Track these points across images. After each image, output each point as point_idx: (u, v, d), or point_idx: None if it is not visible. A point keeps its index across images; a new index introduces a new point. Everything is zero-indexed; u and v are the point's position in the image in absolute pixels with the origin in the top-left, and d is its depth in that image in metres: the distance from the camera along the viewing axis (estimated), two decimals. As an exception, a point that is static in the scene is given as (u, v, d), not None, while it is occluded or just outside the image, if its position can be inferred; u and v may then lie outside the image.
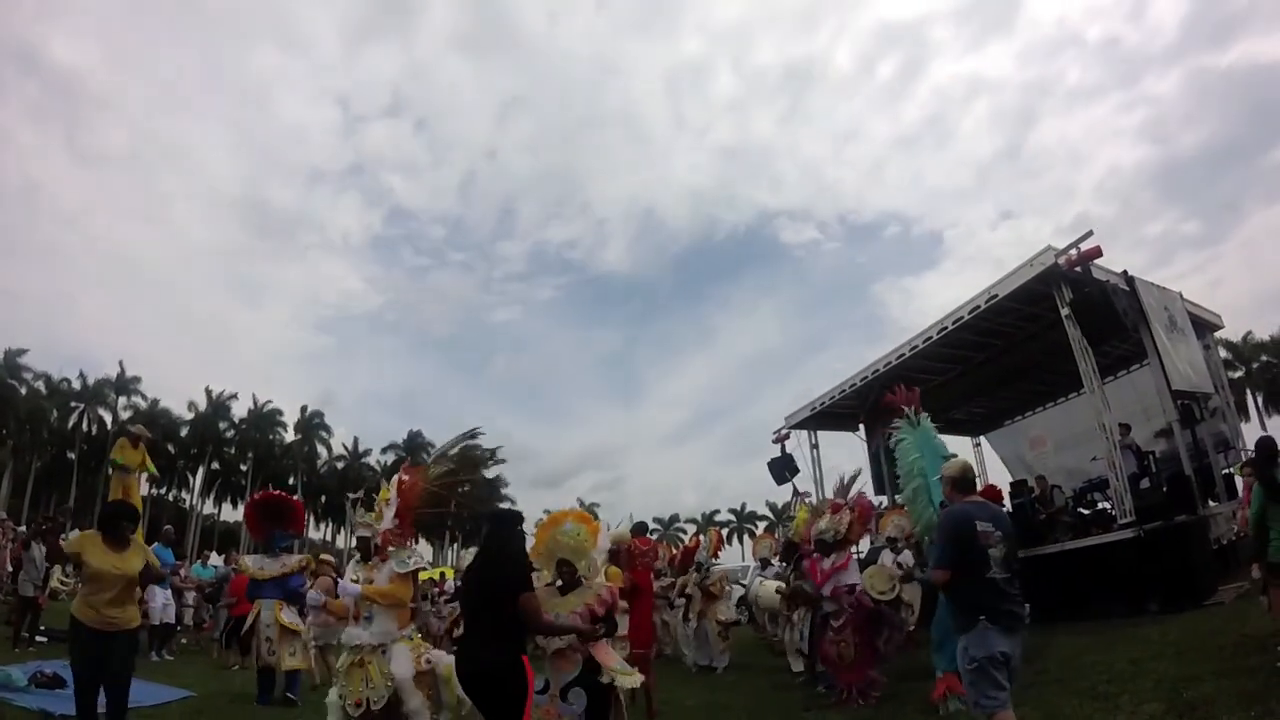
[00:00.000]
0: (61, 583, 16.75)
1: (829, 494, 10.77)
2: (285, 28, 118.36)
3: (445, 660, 5.78)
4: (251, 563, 9.27)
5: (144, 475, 10.79)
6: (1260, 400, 52.43)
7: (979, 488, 5.05)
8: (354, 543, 6.96)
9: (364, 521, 6.14)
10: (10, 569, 13.75)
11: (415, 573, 6.04)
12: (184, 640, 14.80)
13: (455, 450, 6.70)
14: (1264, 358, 52.18)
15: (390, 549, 5.87)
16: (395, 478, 6.21)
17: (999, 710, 4.20)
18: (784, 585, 10.19)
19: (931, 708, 6.64)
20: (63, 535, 26.32)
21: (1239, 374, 49.49)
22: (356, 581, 5.88)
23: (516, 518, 4.67)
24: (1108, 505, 12.10)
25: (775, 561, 12.54)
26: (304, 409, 64.13)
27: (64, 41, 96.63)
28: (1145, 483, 11.23)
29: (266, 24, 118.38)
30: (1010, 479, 16.42)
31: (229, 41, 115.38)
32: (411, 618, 6.20)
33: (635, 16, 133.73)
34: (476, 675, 4.01)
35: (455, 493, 6.37)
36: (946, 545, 4.53)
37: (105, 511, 5.94)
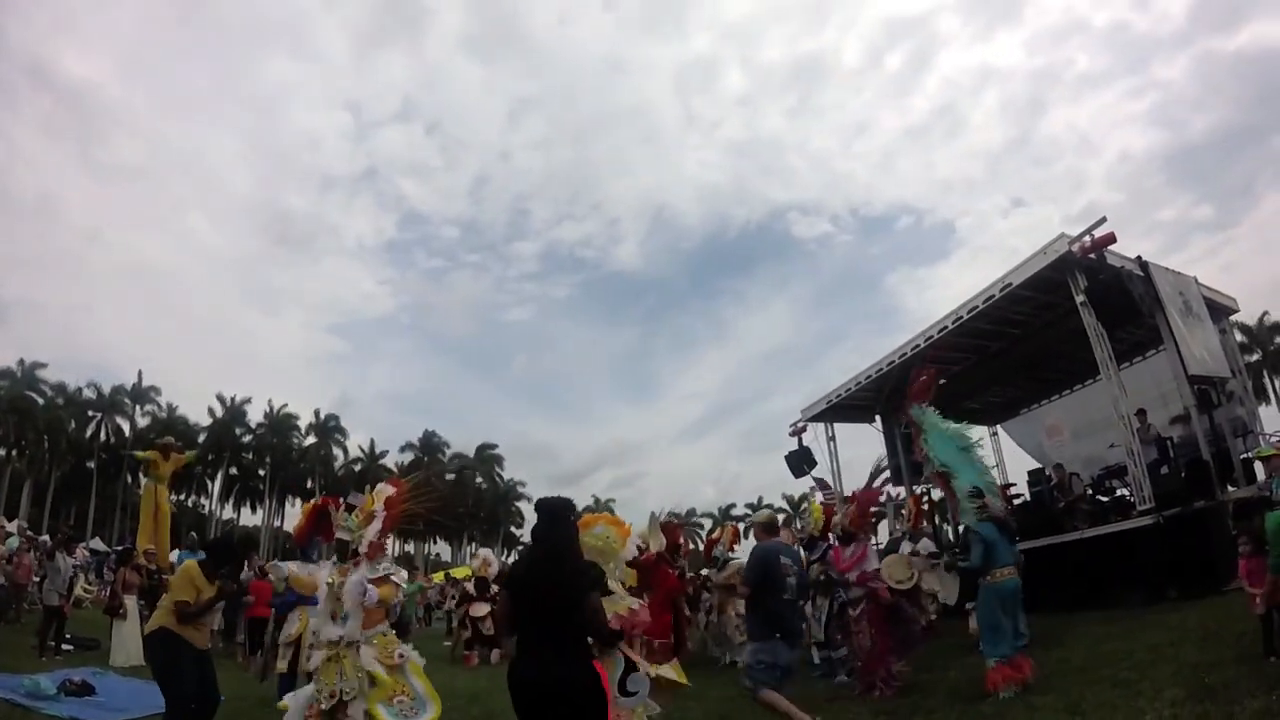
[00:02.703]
0: (85, 591, 16.93)
1: (846, 486, 10.78)
2: (296, 36, 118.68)
3: (414, 655, 6.23)
4: (299, 570, 9.05)
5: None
6: (1278, 383, 51.99)
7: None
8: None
9: (347, 526, 6.32)
10: (35, 579, 13.91)
11: (386, 577, 6.39)
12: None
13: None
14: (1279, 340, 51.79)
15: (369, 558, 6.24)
16: (381, 490, 6.52)
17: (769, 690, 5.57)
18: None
19: (983, 696, 6.57)
20: (85, 544, 26.56)
21: (1255, 357, 49.09)
22: (331, 582, 6.13)
23: (568, 508, 4.14)
24: (1126, 492, 12.05)
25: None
26: (317, 413, 64.67)
27: (76, 55, 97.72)
28: (1164, 469, 11.18)
29: (277, 33, 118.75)
30: (1028, 468, 16.38)
31: (240, 51, 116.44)
32: (385, 615, 6.42)
33: (643, 16, 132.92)
34: (552, 691, 3.45)
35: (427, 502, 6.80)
36: (755, 571, 5.77)
37: (230, 547, 6.21)
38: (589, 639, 3.77)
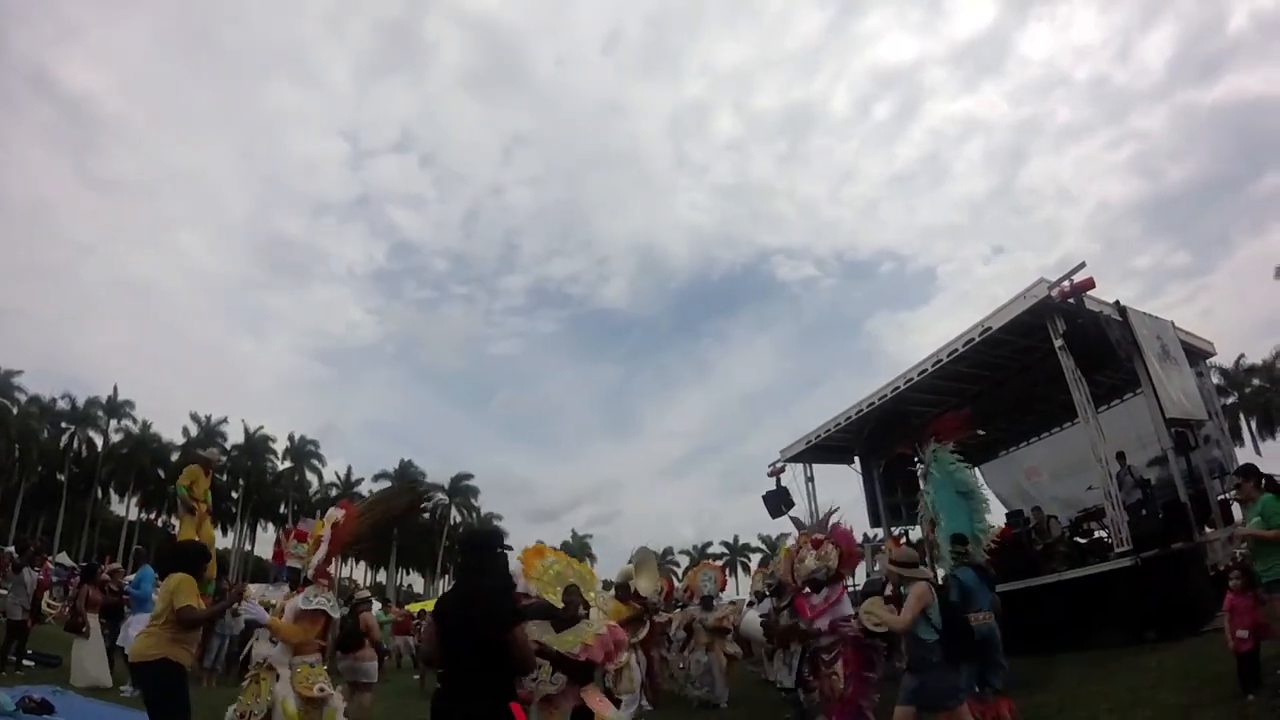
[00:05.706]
0: (50, 606, 16.55)
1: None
2: (299, 63, 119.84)
3: (338, 700, 6.10)
4: (256, 591, 8.89)
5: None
6: (1254, 425, 52.28)
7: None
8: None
9: (296, 554, 6.33)
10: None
11: (320, 611, 6.09)
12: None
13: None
14: (1256, 382, 51.99)
15: (310, 587, 6.10)
16: (330, 515, 6.45)
17: None
18: (769, 616, 10.05)
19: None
20: (52, 558, 25.99)
21: (1232, 399, 49.46)
22: (272, 606, 6.18)
23: (495, 538, 3.93)
24: (1104, 534, 12.08)
25: (767, 593, 12.37)
26: (291, 436, 63.88)
27: (79, 67, 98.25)
28: (1142, 511, 11.23)
29: (280, 59, 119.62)
30: (1006, 511, 16.38)
31: (243, 74, 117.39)
32: (320, 647, 6.25)
33: (640, 60, 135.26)
34: None
35: (388, 522, 6.66)
36: None
37: (198, 552, 5.87)
38: (513, 676, 3.61)
